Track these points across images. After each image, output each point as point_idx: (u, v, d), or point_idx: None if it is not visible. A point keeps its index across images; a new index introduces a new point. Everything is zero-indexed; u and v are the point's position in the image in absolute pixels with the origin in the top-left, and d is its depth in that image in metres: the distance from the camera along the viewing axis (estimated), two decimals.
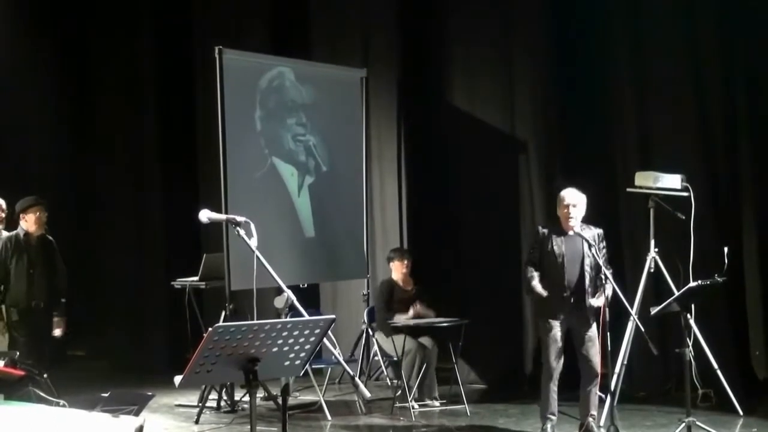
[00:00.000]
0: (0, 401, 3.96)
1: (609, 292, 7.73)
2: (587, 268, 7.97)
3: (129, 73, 12.69)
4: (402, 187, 11.38)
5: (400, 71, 11.43)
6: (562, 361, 8.00)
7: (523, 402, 9.50)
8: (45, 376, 4.53)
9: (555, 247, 7.97)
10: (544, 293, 7.91)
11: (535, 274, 7.99)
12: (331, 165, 10.58)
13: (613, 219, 10.06)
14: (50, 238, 9.22)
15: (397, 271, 10.07)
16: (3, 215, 9.27)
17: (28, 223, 9.04)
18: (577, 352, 8.03)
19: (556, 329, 7.95)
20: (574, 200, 8.00)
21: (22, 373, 3.92)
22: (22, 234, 9.04)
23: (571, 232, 8.00)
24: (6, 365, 4.44)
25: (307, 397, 10.04)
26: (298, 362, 4.52)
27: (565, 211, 7.99)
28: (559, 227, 8.07)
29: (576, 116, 10.38)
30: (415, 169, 11.42)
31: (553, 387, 7.99)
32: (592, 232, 8.02)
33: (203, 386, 9.39)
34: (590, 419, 8.05)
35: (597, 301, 7.83)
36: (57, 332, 9.18)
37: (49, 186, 12.42)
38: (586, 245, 7.94)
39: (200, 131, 11.97)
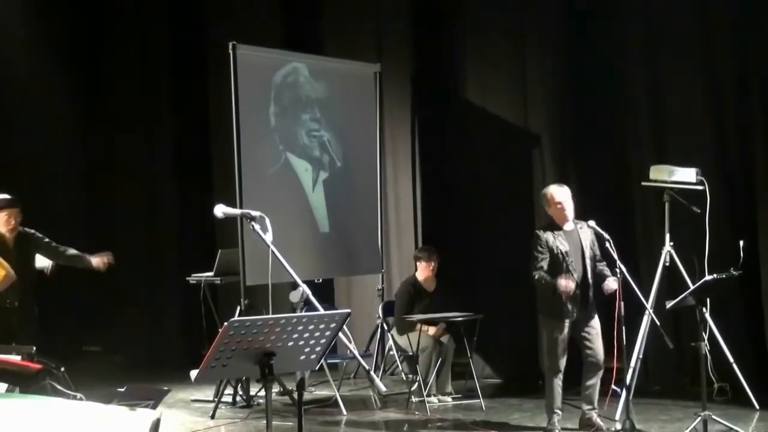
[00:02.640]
0: (16, 395, 3.97)
1: (614, 285, 7.75)
2: (588, 261, 7.99)
3: (143, 68, 12.71)
4: (416, 181, 11.38)
5: (413, 66, 11.43)
6: (566, 356, 8.01)
7: (538, 397, 9.44)
8: (62, 369, 4.54)
9: (557, 246, 7.97)
10: (572, 282, 7.87)
11: (548, 276, 7.96)
12: (346, 160, 10.59)
13: (628, 213, 10.05)
14: (27, 230, 8.81)
15: (423, 271, 10.01)
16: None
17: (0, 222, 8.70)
18: (581, 344, 8.03)
19: (565, 328, 7.95)
20: (565, 196, 8.05)
21: (38, 366, 3.94)
22: None
23: (567, 227, 8.02)
24: (23, 359, 4.46)
25: (322, 392, 10.05)
26: (313, 356, 4.52)
27: (559, 207, 8.01)
28: (552, 225, 8.08)
29: (590, 110, 10.36)
30: (429, 164, 11.42)
31: (559, 382, 8.01)
32: (584, 225, 8.05)
33: (219, 381, 9.41)
34: (593, 412, 8.06)
35: (613, 283, 7.81)
36: (107, 261, 9.09)
37: (62, 181, 12.48)
38: (585, 239, 7.98)
39: (214, 127, 11.99)
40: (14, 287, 8.49)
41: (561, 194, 8.06)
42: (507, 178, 10.78)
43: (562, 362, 7.97)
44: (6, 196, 8.79)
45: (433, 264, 10.01)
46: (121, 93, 12.89)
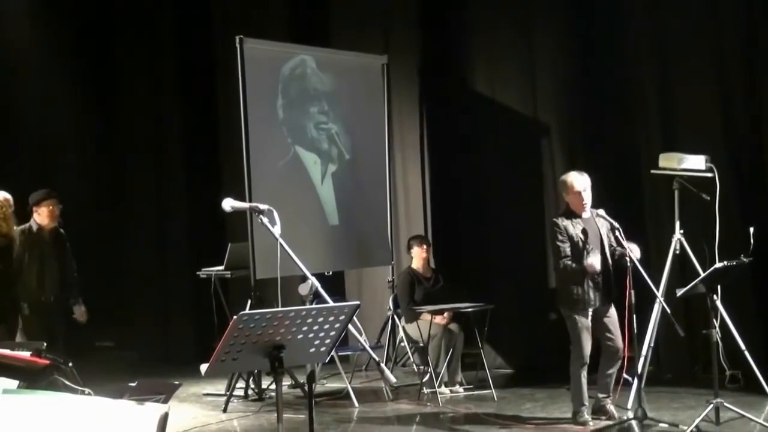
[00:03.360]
0: (26, 391, 3.98)
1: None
2: (607, 249, 7.98)
3: (151, 63, 12.71)
4: (425, 172, 11.37)
5: (420, 57, 11.42)
6: (590, 346, 8.01)
7: (549, 386, 9.47)
8: (70, 365, 4.55)
9: (576, 233, 7.95)
10: (597, 265, 7.87)
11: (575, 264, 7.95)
12: (354, 152, 10.58)
13: (638, 201, 10.04)
14: (62, 231, 9.02)
15: (418, 257, 10.14)
16: (11, 210, 9.07)
17: (41, 216, 8.82)
18: (600, 333, 8.03)
19: (589, 317, 7.95)
20: (586, 184, 8.03)
21: (46, 362, 3.95)
22: (35, 228, 8.85)
23: (584, 215, 8.01)
24: (32, 355, 4.47)
25: (334, 384, 10.07)
26: (323, 349, 4.51)
27: (579, 194, 7.99)
28: (570, 213, 8.07)
29: (598, 99, 10.34)
30: (437, 155, 11.41)
31: (585, 373, 8.00)
32: (601, 214, 8.04)
33: (231, 375, 9.42)
34: (608, 400, 8.06)
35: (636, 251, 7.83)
36: (82, 319, 9.12)
37: (72, 177, 12.49)
38: (602, 227, 7.98)
39: (223, 120, 11.99)
40: (52, 283, 8.60)
41: (581, 182, 8.03)
42: (516, 168, 10.77)
43: (588, 352, 7.96)
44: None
45: (425, 248, 10.10)
46: (129, 89, 12.90)
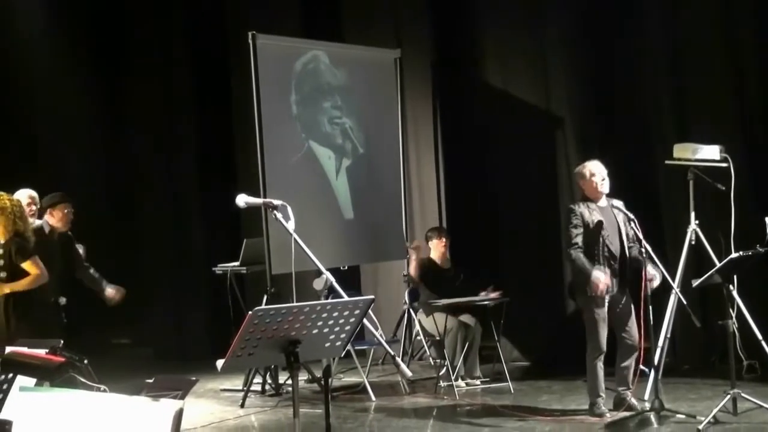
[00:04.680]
0: (45, 388, 4.00)
1: (649, 268, 7.74)
2: (624, 238, 7.97)
3: (163, 60, 12.71)
4: (439, 165, 11.38)
5: (433, 50, 11.41)
6: (606, 336, 8.01)
7: (566, 378, 9.47)
8: (86, 362, 4.56)
9: (593, 220, 7.95)
10: (607, 279, 7.85)
11: (586, 261, 7.94)
12: (368, 147, 10.59)
13: (652, 192, 10.02)
14: (70, 234, 8.97)
15: (436, 249, 10.18)
16: (35, 208, 9.11)
17: (55, 218, 8.82)
18: (616, 326, 8.03)
19: (605, 310, 7.94)
20: (602, 172, 8.03)
21: (61, 360, 3.96)
22: (46, 229, 8.81)
23: (601, 203, 8.00)
24: (48, 353, 4.49)
25: (350, 379, 10.09)
26: (338, 343, 4.52)
27: (595, 181, 7.99)
28: (587, 200, 8.06)
29: (612, 89, 10.33)
30: (451, 148, 11.41)
31: (601, 365, 8.00)
32: (617, 205, 8.03)
33: (248, 370, 9.45)
34: (628, 392, 8.05)
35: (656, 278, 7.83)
36: (118, 296, 9.10)
37: (86, 174, 12.52)
38: (619, 216, 7.97)
39: (237, 116, 12.00)
40: (59, 285, 8.59)
41: (597, 169, 8.04)
42: (530, 161, 10.76)
43: (604, 343, 7.96)
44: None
45: (444, 240, 10.13)
46: (143, 86, 12.89)
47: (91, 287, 9.11)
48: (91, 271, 9.09)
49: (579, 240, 7.92)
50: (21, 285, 7.96)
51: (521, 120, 10.82)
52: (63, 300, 8.69)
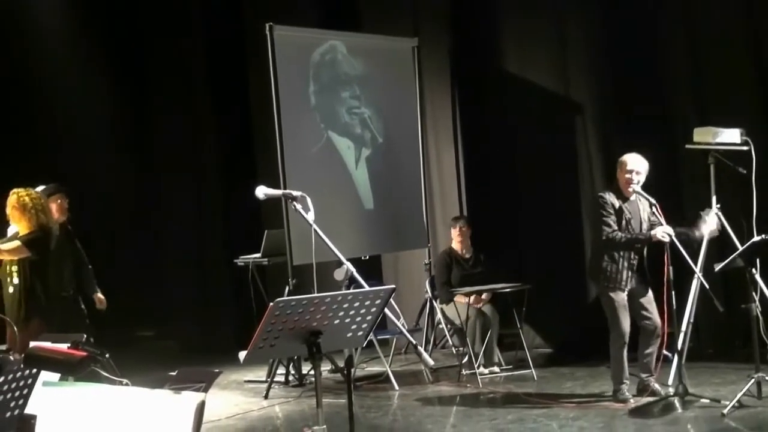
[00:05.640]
0: (62, 383, 4.01)
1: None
2: (646, 229, 7.95)
3: (181, 53, 12.72)
4: (458, 154, 11.36)
5: (451, 38, 11.38)
6: (629, 323, 7.99)
7: (589, 365, 9.46)
8: (107, 356, 4.58)
9: (620, 212, 7.93)
10: (669, 228, 7.82)
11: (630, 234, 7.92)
12: (387, 136, 10.59)
13: (673, 177, 9.97)
14: (69, 228, 8.88)
15: (456, 237, 10.19)
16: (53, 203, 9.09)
17: (52, 210, 8.58)
18: (637, 313, 8.01)
19: (625, 297, 7.93)
20: (639, 167, 7.99)
21: (83, 354, 3.97)
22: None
23: (631, 197, 7.98)
24: (70, 347, 4.51)
25: (373, 368, 10.10)
26: (360, 333, 4.52)
27: (628, 176, 7.96)
28: (617, 192, 8.03)
29: (631, 74, 10.26)
30: (471, 136, 11.38)
31: (624, 351, 7.99)
32: (637, 190, 8.01)
33: (271, 361, 9.47)
34: (651, 379, 8.04)
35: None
36: (102, 306, 8.98)
37: (107, 170, 12.57)
38: (644, 211, 7.95)
39: (256, 108, 12.01)
40: (68, 278, 8.59)
41: (633, 163, 8.00)
42: (550, 147, 10.71)
43: (626, 330, 7.94)
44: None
45: (462, 228, 10.15)
46: (161, 80, 12.93)
47: (85, 287, 9.02)
48: (88, 271, 9.05)
49: (614, 224, 7.90)
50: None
51: (540, 107, 10.78)
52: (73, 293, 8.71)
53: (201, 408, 3.47)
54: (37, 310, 7.94)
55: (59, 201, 8.81)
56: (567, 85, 10.67)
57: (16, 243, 7.90)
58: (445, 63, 11.39)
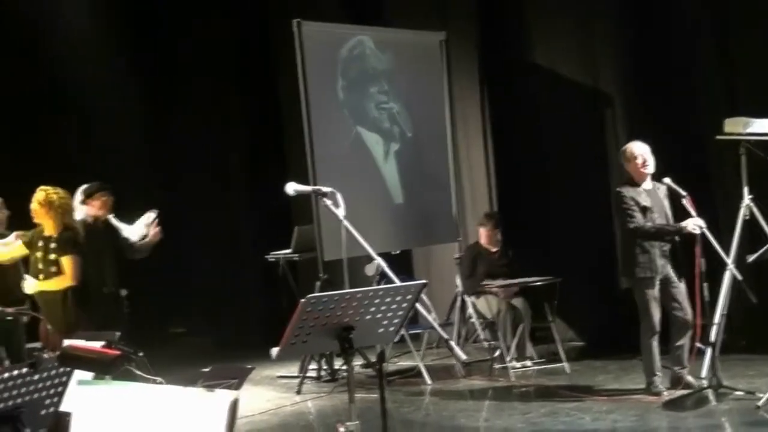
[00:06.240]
0: (97, 381, 4.04)
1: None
2: (671, 219, 7.92)
3: (210, 50, 12.76)
4: (488, 147, 11.34)
5: (479, 31, 11.36)
6: (660, 315, 7.96)
7: (622, 358, 9.42)
8: (141, 354, 4.61)
9: (639, 201, 7.91)
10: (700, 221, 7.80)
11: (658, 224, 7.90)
12: (416, 130, 10.58)
13: (704, 168, 9.92)
14: (112, 222, 8.96)
15: (483, 235, 10.22)
16: (77, 201, 9.16)
17: (95, 207, 8.79)
18: (668, 304, 7.98)
19: (656, 288, 7.90)
20: (645, 151, 8.01)
21: (116, 353, 4.00)
22: (90, 220, 8.77)
23: (646, 185, 7.95)
24: (104, 346, 4.53)
25: (405, 363, 10.09)
26: (391, 329, 4.51)
27: (639, 163, 7.95)
28: (632, 182, 8.01)
29: (660, 66, 10.21)
30: (500, 129, 11.36)
31: (656, 343, 7.96)
32: (667, 182, 7.98)
33: (303, 357, 9.50)
34: (684, 371, 8.00)
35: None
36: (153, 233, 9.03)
37: (137, 165, 12.62)
38: (665, 198, 7.92)
39: (285, 104, 12.04)
40: (112, 274, 8.67)
41: (640, 150, 8.00)
42: (579, 140, 10.68)
43: (658, 322, 7.92)
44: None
45: (490, 225, 10.15)
46: (190, 77, 12.97)
47: (145, 255, 9.10)
48: (137, 244, 9.09)
49: (637, 215, 7.87)
50: (50, 286, 8.03)
51: (569, 99, 10.74)
52: (124, 291, 8.78)
53: (234, 406, 3.48)
54: (77, 307, 8.02)
55: (104, 198, 8.89)
56: (596, 77, 10.64)
57: (64, 275, 7.98)
58: (472, 55, 11.37)
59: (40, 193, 8.10)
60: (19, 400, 3.98)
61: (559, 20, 10.80)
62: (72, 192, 8.62)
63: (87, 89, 12.34)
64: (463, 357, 5.34)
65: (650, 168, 7.98)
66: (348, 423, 4.43)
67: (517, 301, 9.77)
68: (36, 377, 4.09)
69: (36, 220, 8.18)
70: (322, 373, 9.80)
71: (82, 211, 8.83)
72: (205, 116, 12.77)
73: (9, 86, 11.69)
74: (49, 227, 8.08)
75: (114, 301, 8.71)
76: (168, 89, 13.14)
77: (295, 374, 9.80)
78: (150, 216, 9.08)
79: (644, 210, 7.89)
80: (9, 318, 8.28)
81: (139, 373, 4.66)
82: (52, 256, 8.00)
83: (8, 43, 11.76)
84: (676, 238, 7.95)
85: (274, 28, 12.11)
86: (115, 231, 8.95)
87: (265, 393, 9.47)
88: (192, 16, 12.81)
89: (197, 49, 12.80)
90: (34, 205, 8.12)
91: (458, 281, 10.38)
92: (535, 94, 11.03)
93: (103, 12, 12.48)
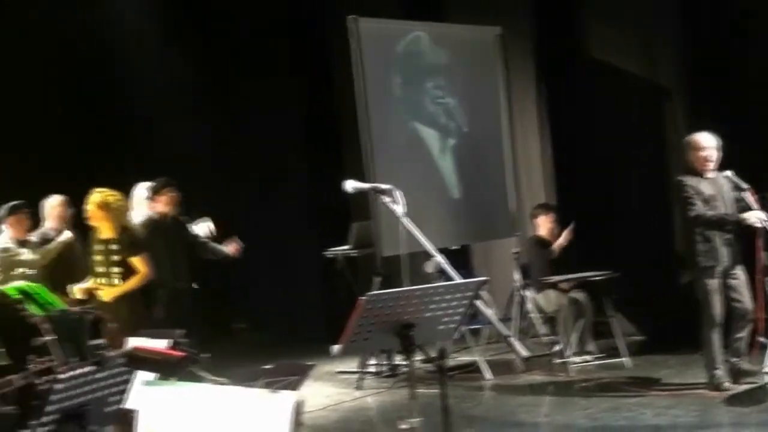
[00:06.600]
0: (162, 382, 4.10)
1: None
2: (734, 209, 7.84)
3: (266, 48, 12.85)
4: (545, 141, 11.31)
5: (534, 25, 11.33)
6: (723, 307, 7.89)
7: (683, 352, 9.35)
8: (207, 355, 4.67)
9: (701, 191, 7.84)
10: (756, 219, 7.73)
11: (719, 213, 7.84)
12: (472, 125, 10.58)
13: (766, 161, 9.81)
14: (180, 218, 9.15)
15: (543, 226, 10.19)
16: (139, 199, 9.31)
17: (162, 204, 8.99)
18: (728, 296, 7.90)
19: (718, 279, 7.83)
20: (711, 143, 7.93)
21: (182, 354, 4.04)
22: (157, 216, 8.97)
23: (710, 174, 7.89)
24: (169, 347, 4.58)
25: (465, 358, 10.09)
26: (452, 326, 4.52)
27: (703, 154, 7.89)
28: (694, 172, 7.94)
29: (719, 58, 10.11)
30: (557, 123, 11.32)
31: (717, 336, 7.90)
32: (728, 175, 7.90)
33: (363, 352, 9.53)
34: (741, 363, 7.94)
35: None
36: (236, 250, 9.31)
37: (191, 162, 12.70)
38: (728, 189, 7.85)
39: (342, 100, 12.07)
40: (185, 270, 8.80)
41: (705, 140, 7.94)
42: (639, 133, 10.64)
43: (719, 314, 7.85)
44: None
45: (550, 216, 10.16)
46: (246, 73, 13.06)
47: (216, 259, 9.30)
48: (211, 245, 9.24)
49: (699, 204, 7.81)
50: (130, 285, 8.10)
51: (627, 92, 10.69)
52: (195, 285, 8.91)
53: (298, 408, 3.52)
54: (141, 305, 8.13)
55: (170, 194, 9.04)
56: (654, 69, 10.57)
57: (140, 274, 8.08)
58: (528, 49, 11.35)
59: (96, 196, 8.18)
60: (85, 398, 4.07)
61: (615, 12, 10.73)
62: (126, 192, 8.76)
63: (144, 85, 12.46)
64: (525, 354, 5.31)
65: (714, 159, 7.91)
66: (411, 420, 4.44)
67: (578, 296, 9.74)
68: (101, 375, 4.16)
69: (92, 223, 8.26)
70: (382, 368, 9.82)
71: (149, 207, 8.98)
72: (263, 113, 12.84)
73: (69, 86, 11.86)
74: (106, 230, 8.16)
75: (187, 296, 8.84)
76: (225, 89, 13.24)
77: (355, 370, 9.85)
78: (207, 225, 9.25)
79: (706, 200, 7.83)
80: (75, 317, 8.40)
81: (203, 374, 4.71)
82: (115, 258, 8.08)
83: (68, 43, 11.92)
84: (736, 229, 7.87)
85: (331, 24, 12.14)
86: (184, 226, 9.10)
87: (325, 389, 9.53)
88: (249, 14, 12.89)
89: (255, 48, 12.89)
90: (91, 208, 8.19)
91: (516, 276, 10.37)
92: (593, 88, 10.96)
93: (160, 7, 12.59)
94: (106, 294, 8.09)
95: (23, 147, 11.23)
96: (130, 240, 8.12)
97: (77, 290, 8.28)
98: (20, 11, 11.47)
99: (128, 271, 8.08)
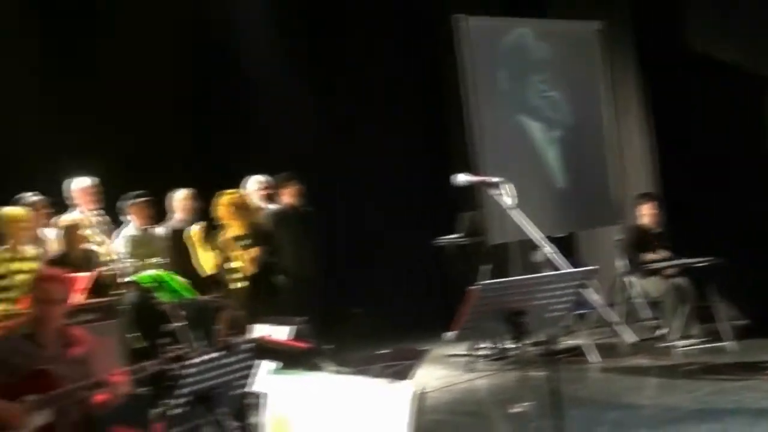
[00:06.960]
0: (287, 371, 4.36)
1: None
2: None
3: (374, 40, 13.04)
4: (647, 132, 11.36)
5: (636, 18, 11.39)
6: None
7: None
8: (331, 347, 4.91)
9: None
10: None
11: None
12: (575, 117, 10.75)
13: None
14: (308, 209, 9.56)
15: (646, 214, 10.32)
16: (269, 191, 9.73)
17: (288, 195, 9.49)
18: None
19: None
20: None
21: (306, 346, 4.30)
22: (283, 208, 9.45)
23: None
24: (293, 338, 4.87)
25: (571, 341, 10.20)
26: (560, 313, 4.67)
27: None
28: None
29: None
30: (660, 114, 11.38)
31: None
32: None
33: None
34: None
35: None
36: None
37: (311, 156, 13.02)
38: None
39: (450, 95, 12.26)
40: (310, 258, 9.15)
41: None
42: (742, 123, 10.64)
43: None
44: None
45: (652, 204, 10.24)
46: (355, 67, 13.23)
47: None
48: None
49: None
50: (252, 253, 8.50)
51: (731, 85, 10.67)
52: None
53: (418, 399, 3.69)
54: (264, 293, 8.52)
55: (295, 187, 9.47)
56: (756, 62, 10.58)
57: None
58: (630, 43, 11.41)
59: (225, 197, 8.66)
60: (214, 382, 4.39)
61: (717, 4, 10.75)
62: (237, 185, 9.18)
63: (260, 84, 12.77)
64: (631, 339, 5.44)
65: None
66: (524, 403, 4.59)
67: (681, 281, 9.83)
68: (228, 360, 4.50)
69: (223, 222, 8.69)
70: (492, 351, 10.01)
71: (262, 199, 9.39)
72: (375, 108, 13.06)
73: (191, 89, 12.23)
74: (236, 227, 8.61)
75: (313, 285, 9.19)
76: (332, 80, 13.46)
77: (465, 352, 10.06)
78: None
79: None
80: (204, 305, 8.82)
81: (326, 364, 4.89)
82: (251, 252, 8.55)
83: (185, 48, 12.28)
84: None
85: (440, 22, 12.33)
86: (311, 217, 9.46)
87: (436, 371, 9.69)
88: (363, 17, 13.14)
89: (369, 47, 13.06)
90: (221, 210, 8.64)
91: (619, 262, 10.51)
92: (695, 80, 10.99)
93: (276, 14, 12.90)
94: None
95: (139, 140, 11.50)
96: (258, 233, 8.55)
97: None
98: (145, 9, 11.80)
99: (269, 259, 8.56)
